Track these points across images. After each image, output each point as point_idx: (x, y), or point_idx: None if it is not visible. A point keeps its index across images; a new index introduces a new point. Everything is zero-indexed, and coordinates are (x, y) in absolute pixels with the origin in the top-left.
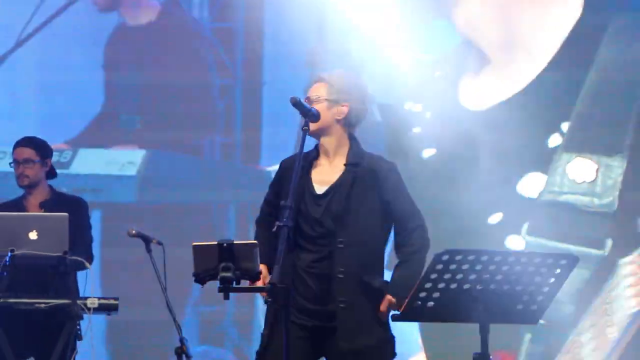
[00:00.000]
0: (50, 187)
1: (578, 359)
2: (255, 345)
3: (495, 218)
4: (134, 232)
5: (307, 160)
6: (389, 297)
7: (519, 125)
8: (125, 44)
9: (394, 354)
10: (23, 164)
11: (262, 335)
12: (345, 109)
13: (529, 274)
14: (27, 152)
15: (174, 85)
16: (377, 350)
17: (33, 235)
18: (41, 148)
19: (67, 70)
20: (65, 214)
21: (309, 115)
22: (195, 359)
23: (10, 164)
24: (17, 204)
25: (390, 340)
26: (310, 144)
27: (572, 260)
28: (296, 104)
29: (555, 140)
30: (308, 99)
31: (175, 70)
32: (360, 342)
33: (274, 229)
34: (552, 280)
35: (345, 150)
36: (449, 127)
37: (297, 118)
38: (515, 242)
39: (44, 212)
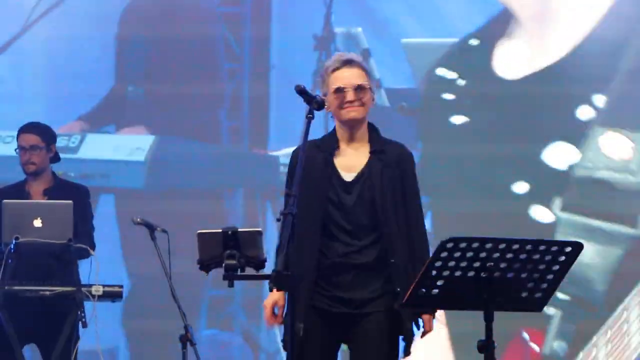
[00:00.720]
0: (54, 173)
1: (623, 334)
2: (264, 328)
3: (520, 187)
4: (138, 220)
5: (327, 148)
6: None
7: (550, 96)
8: (134, 25)
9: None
10: (30, 150)
11: (285, 323)
12: (374, 96)
13: (533, 261)
14: (33, 139)
15: (181, 68)
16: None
17: (38, 223)
18: (46, 134)
19: (76, 53)
20: (70, 201)
21: (314, 102)
22: (203, 342)
23: (15, 150)
24: (20, 190)
25: (410, 337)
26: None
27: (577, 248)
28: (301, 91)
29: (584, 112)
30: (360, 87)
31: (183, 53)
32: (407, 326)
33: (278, 218)
34: (557, 267)
35: (365, 136)
36: (482, 96)
37: (304, 104)
38: (539, 213)
39: (48, 199)
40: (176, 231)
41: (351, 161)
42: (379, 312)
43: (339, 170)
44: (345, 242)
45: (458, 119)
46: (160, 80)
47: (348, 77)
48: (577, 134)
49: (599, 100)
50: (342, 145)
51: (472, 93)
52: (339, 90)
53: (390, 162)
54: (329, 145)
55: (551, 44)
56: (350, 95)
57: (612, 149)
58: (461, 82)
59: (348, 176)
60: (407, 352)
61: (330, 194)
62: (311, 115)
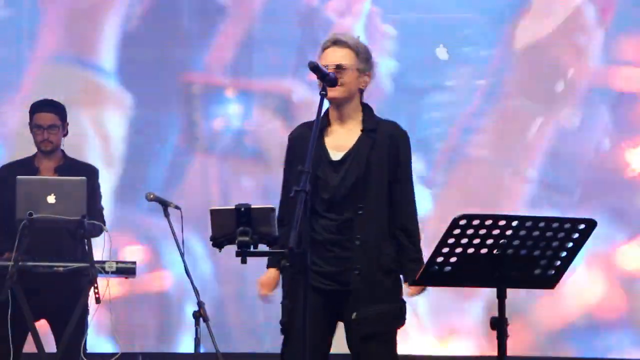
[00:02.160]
0: (63, 151)
1: None
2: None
3: None
4: (152, 196)
5: (318, 127)
6: (412, 289)
7: None
8: None
9: (404, 320)
10: (48, 129)
11: (283, 305)
12: (368, 79)
13: (546, 238)
14: (51, 118)
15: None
16: (389, 317)
17: (51, 199)
18: (62, 111)
19: None
20: (84, 178)
21: (327, 80)
22: None
23: (32, 128)
24: (29, 165)
25: (402, 306)
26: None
27: (591, 225)
28: (314, 68)
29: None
30: (340, 66)
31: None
32: (373, 309)
33: (291, 194)
34: (570, 244)
35: (358, 116)
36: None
37: None
38: None
39: (59, 176)
40: None
41: (341, 140)
42: (364, 289)
43: (328, 149)
44: (330, 219)
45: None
46: None
47: (331, 57)
48: None
49: None
50: (334, 125)
51: None
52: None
53: (382, 141)
54: (321, 124)
55: None
56: (330, 71)
57: None
58: None
59: (336, 155)
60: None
61: (319, 172)
62: (324, 92)
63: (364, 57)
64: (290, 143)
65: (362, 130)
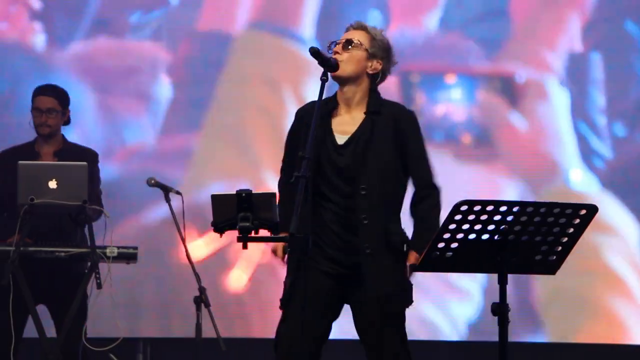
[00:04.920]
0: (63, 136)
1: None
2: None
3: None
4: (153, 181)
5: (326, 109)
6: (415, 255)
7: None
8: None
9: (411, 300)
10: (46, 113)
11: (285, 283)
12: (379, 66)
13: (547, 224)
14: (50, 102)
15: None
16: (397, 297)
17: (53, 184)
18: (63, 97)
19: None
20: (85, 163)
21: (328, 65)
22: None
23: (32, 111)
24: (29, 150)
25: (409, 287)
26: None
27: (592, 210)
28: (315, 53)
29: None
30: (349, 41)
31: None
32: (384, 289)
33: (292, 180)
34: (571, 230)
35: (364, 100)
36: None
37: None
38: None
39: (58, 161)
40: None
41: (346, 125)
42: (373, 270)
43: (334, 133)
44: (335, 201)
45: None
46: None
47: (345, 34)
48: None
49: None
50: (342, 110)
51: None
52: (334, 44)
53: (386, 123)
54: (330, 105)
55: None
56: (337, 47)
57: None
58: None
59: (341, 139)
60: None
61: (323, 155)
62: (325, 78)
63: (379, 44)
64: (298, 116)
65: (365, 114)
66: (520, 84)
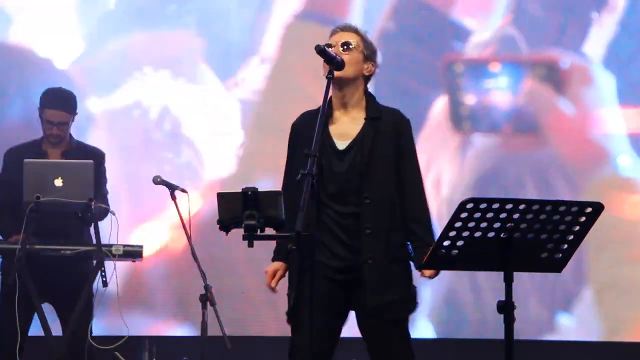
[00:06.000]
0: (70, 135)
1: None
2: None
3: None
4: (159, 179)
5: (325, 112)
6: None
7: None
8: None
9: (416, 305)
10: (58, 126)
11: (289, 296)
12: (373, 68)
13: (553, 222)
14: (61, 116)
15: None
16: (402, 304)
17: (59, 182)
18: (72, 106)
19: None
20: (91, 161)
21: (334, 62)
22: None
23: (40, 117)
24: (36, 149)
25: (414, 292)
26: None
27: (598, 208)
28: (322, 51)
29: None
30: (347, 43)
31: None
32: (386, 298)
33: (298, 177)
34: (577, 228)
35: (362, 104)
36: None
37: None
38: None
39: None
40: None
41: (345, 129)
42: (375, 278)
43: (333, 138)
44: (337, 210)
45: None
46: None
47: (338, 36)
48: None
49: None
50: (338, 114)
51: None
52: (328, 46)
53: (386, 129)
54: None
55: None
56: (336, 50)
57: None
58: None
59: (341, 144)
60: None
61: (323, 161)
62: (331, 76)
63: (370, 47)
64: (294, 130)
65: (365, 119)
66: (565, 70)
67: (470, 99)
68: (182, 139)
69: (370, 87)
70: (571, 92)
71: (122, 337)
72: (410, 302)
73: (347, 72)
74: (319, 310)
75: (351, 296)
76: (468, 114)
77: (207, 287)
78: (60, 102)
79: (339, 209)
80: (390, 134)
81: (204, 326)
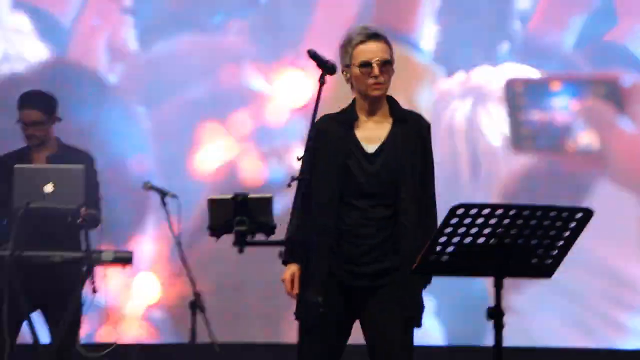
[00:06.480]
0: (58, 139)
1: None
2: (274, 298)
3: None
4: (149, 185)
5: (346, 121)
6: None
7: None
8: None
9: (420, 324)
10: (32, 126)
11: (299, 295)
12: (394, 71)
13: (543, 227)
14: (34, 115)
15: None
16: (415, 321)
17: (49, 188)
18: (47, 106)
19: None
20: (81, 166)
21: (327, 67)
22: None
23: (17, 121)
24: (22, 157)
25: (422, 309)
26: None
27: (587, 214)
28: (313, 56)
29: None
30: (387, 61)
31: None
32: (408, 311)
33: (288, 183)
34: (567, 233)
35: (385, 107)
36: None
37: None
38: None
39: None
40: None
41: (372, 133)
42: (391, 286)
43: (361, 142)
44: (364, 211)
45: None
46: None
47: (375, 51)
48: None
49: None
50: (362, 118)
51: None
52: (366, 65)
53: (412, 132)
54: (349, 118)
55: None
56: (376, 70)
57: None
58: None
59: (370, 148)
60: (418, 324)
61: (352, 163)
62: (323, 80)
63: (392, 49)
64: (316, 133)
65: (393, 122)
66: (626, 88)
67: (530, 118)
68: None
69: None
70: (632, 110)
71: (111, 344)
72: (420, 319)
73: (387, 88)
74: (330, 318)
75: (360, 304)
76: (528, 134)
77: (196, 294)
78: (31, 101)
79: (373, 210)
80: (414, 137)
81: (192, 333)
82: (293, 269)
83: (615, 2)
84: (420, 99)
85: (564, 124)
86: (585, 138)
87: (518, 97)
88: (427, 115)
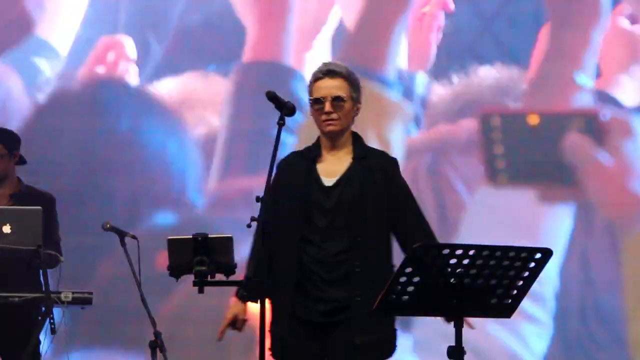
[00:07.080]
0: (19, 179)
1: None
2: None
3: None
4: (108, 225)
5: (310, 155)
6: None
7: None
8: None
9: (395, 348)
10: None
11: (272, 332)
12: (360, 106)
13: (503, 268)
14: None
15: None
16: (382, 345)
17: (7, 229)
18: (8, 140)
19: None
20: (39, 207)
21: (286, 108)
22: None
23: None
24: None
25: (394, 335)
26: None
27: (547, 254)
28: (272, 97)
29: None
30: (338, 98)
31: None
32: (370, 337)
33: (248, 224)
34: (526, 274)
35: (349, 144)
36: None
37: None
38: None
39: (14, 204)
40: None
41: (332, 167)
42: (349, 322)
43: (320, 176)
44: (321, 247)
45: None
46: None
47: (327, 87)
48: None
49: None
50: (325, 153)
51: None
52: (317, 101)
53: (373, 168)
54: (313, 152)
55: None
56: (327, 107)
57: None
58: None
59: (328, 181)
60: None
61: (312, 197)
62: (282, 122)
63: (356, 85)
64: (280, 169)
65: (353, 158)
66: (605, 122)
67: (507, 152)
68: None
69: None
70: (611, 144)
71: None
72: (390, 344)
73: (341, 126)
74: (299, 356)
75: (327, 340)
76: (506, 167)
77: (156, 334)
78: None
79: (327, 246)
80: (380, 175)
81: None
82: (237, 309)
83: None
84: (391, 133)
85: (541, 157)
86: (564, 171)
87: (494, 130)
88: (397, 155)
